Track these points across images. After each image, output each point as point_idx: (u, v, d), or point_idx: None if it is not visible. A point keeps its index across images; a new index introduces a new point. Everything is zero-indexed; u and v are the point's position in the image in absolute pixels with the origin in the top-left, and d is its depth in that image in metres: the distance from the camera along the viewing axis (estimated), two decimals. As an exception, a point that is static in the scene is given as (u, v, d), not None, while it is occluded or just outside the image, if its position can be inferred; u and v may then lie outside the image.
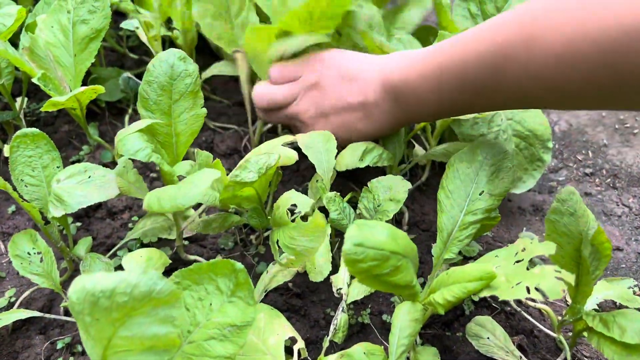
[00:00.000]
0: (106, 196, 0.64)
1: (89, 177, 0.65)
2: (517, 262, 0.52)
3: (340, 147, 0.76)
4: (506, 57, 0.57)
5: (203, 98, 0.66)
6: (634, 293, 0.79)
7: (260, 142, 0.95)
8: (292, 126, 0.86)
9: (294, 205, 0.60)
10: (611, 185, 1.02)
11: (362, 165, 0.73)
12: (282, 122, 0.85)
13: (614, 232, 0.93)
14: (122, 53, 1.20)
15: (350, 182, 0.89)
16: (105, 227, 0.81)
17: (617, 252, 0.89)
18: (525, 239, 0.54)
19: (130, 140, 0.56)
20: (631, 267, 0.87)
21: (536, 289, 0.46)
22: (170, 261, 0.66)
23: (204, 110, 0.66)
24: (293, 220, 0.60)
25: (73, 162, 0.94)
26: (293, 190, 0.64)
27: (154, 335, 0.43)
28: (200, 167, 0.64)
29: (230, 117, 1.06)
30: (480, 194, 0.62)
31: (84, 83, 1.01)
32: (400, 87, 0.70)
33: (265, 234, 0.79)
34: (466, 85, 0.63)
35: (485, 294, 0.50)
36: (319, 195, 0.70)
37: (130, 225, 0.82)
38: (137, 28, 0.97)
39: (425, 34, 1.01)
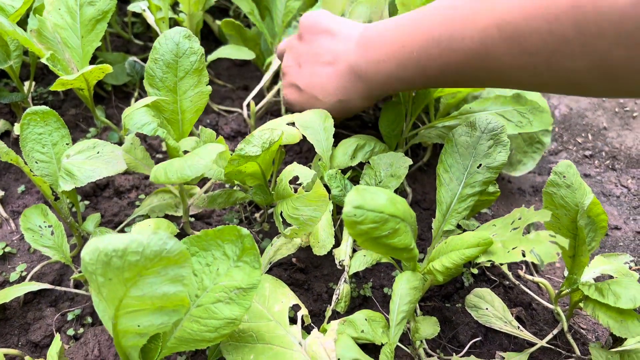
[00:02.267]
0: (114, 170, 0.65)
1: (98, 153, 0.66)
2: (514, 229, 0.54)
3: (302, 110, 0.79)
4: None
5: (207, 75, 0.67)
6: (630, 268, 0.81)
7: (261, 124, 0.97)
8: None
9: (296, 177, 0.61)
10: (610, 167, 1.03)
11: (354, 163, 0.75)
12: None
13: (613, 212, 0.94)
14: (127, 39, 1.22)
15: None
16: (112, 205, 0.83)
17: (616, 230, 0.91)
18: (521, 208, 0.56)
19: (137, 115, 0.58)
20: (629, 245, 0.88)
21: (532, 252, 0.48)
22: (177, 230, 0.67)
23: (209, 87, 0.67)
24: (296, 192, 0.61)
25: (80, 144, 0.96)
26: (295, 162, 0.65)
27: (164, 294, 0.45)
28: (205, 144, 0.66)
29: (234, 101, 1.07)
30: (478, 167, 0.63)
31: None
32: (374, 42, 0.71)
33: (270, 211, 0.81)
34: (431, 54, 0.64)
35: (483, 259, 0.52)
36: (321, 174, 0.71)
37: (137, 203, 0.84)
38: (144, 10, 0.99)
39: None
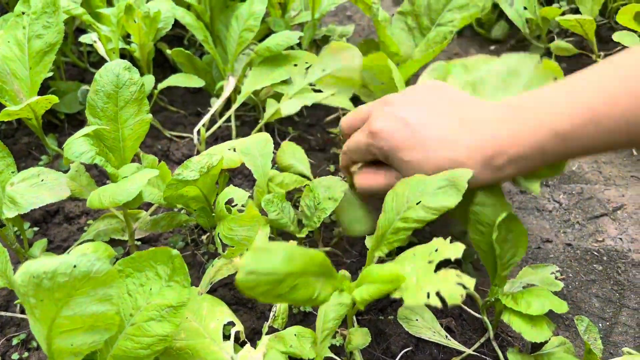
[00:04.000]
0: (58, 197, 0.68)
1: (42, 181, 0.69)
2: (429, 262, 0.54)
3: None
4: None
5: (147, 104, 0.71)
6: (556, 278, 0.86)
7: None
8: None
9: (232, 199, 0.65)
10: (544, 183, 1.09)
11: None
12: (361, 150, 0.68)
13: (545, 226, 1.00)
14: (83, 68, 1.25)
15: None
16: (62, 231, 0.85)
17: (547, 243, 0.97)
18: (439, 239, 0.57)
19: (76, 145, 0.61)
20: (559, 256, 0.94)
21: (437, 294, 0.48)
22: (116, 253, 0.70)
23: (149, 116, 0.71)
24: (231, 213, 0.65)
25: (32, 172, 0.98)
26: (231, 185, 0.69)
27: (94, 313, 0.48)
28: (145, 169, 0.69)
29: (186, 127, 1.11)
30: (417, 203, 0.62)
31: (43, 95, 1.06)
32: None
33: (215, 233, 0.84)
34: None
35: (397, 295, 0.52)
36: (258, 201, 0.75)
37: (86, 228, 0.86)
38: (95, 42, 1.02)
39: (367, 48, 1.08)
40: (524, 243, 0.69)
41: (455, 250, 0.54)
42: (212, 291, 0.76)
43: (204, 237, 0.85)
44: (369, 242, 0.72)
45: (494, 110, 0.61)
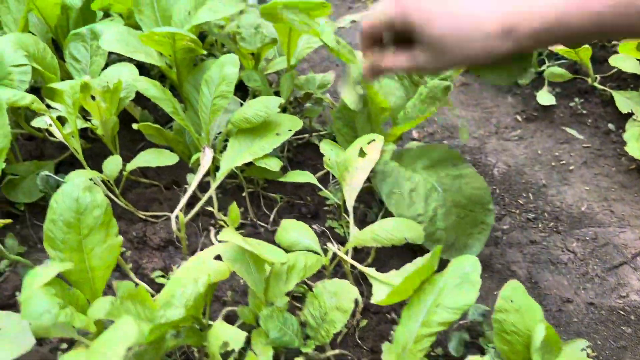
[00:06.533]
0: (22, 350, 0.58)
1: (0, 330, 0.58)
2: None
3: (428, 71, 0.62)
4: None
5: (116, 226, 0.61)
6: (588, 355, 0.78)
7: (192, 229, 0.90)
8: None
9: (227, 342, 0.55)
10: (554, 229, 1.02)
11: (290, 287, 0.69)
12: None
13: (563, 282, 0.93)
14: (41, 139, 1.13)
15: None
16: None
17: (568, 304, 0.89)
18: (478, 357, 0.52)
19: (34, 303, 0.50)
20: (582, 319, 0.87)
21: None
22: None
23: (119, 239, 0.61)
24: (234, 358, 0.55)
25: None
26: (224, 323, 0.59)
27: None
28: (122, 302, 0.59)
29: (162, 203, 1.00)
30: (437, 306, 0.59)
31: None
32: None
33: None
34: None
35: None
36: (253, 314, 0.66)
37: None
38: (50, 125, 0.91)
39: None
40: (558, 349, 0.61)
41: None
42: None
43: (195, 350, 0.75)
44: (387, 357, 0.63)
45: None
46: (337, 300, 0.65)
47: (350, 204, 0.81)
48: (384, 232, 0.74)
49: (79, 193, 0.58)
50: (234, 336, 0.56)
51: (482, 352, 0.77)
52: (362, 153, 0.83)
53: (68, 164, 1.08)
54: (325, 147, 0.92)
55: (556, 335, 0.58)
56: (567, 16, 0.52)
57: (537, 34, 0.53)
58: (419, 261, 0.70)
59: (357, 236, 0.77)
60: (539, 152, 1.20)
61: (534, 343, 0.55)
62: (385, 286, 0.72)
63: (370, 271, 0.74)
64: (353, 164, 0.82)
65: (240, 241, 0.61)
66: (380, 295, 0.70)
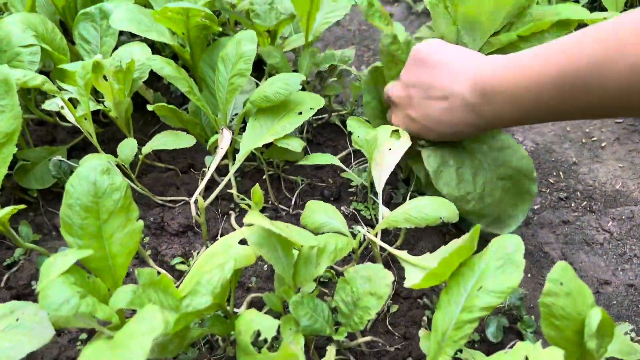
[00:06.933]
0: (41, 341, 0.54)
1: (17, 320, 0.55)
2: None
3: (416, 137, 0.81)
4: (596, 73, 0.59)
5: (137, 210, 0.57)
6: (632, 339, 0.75)
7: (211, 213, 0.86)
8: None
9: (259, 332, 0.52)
10: (588, 208, 0.98)
11: (321, 271, 0.64)
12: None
13: (600, 263, 0.88)
14: (52, 123, 1.09)
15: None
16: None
17: (606, 286, 0.85)
18: (526, 343, 0.48)
19: (54, 291, 0.47)
20: (622, 302, 0.82)
21: None
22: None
23: (140, 224, 0.57)
24: (259, 346, 0.52)
25: (8, 266, 0.84)
26: (254, 310, 0.56)
27: None
28: (144, 290, 0.56)
29: (179, 188, 0.97)
30: (478, 289, 0.55)
31: (11, 169, 0.91)
32: (492, 85, 0.69)
33: (232, 338, 0.71)
34: (565, 95, 0.63)
35: None
36: (281, 300, 0.62)
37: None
38: (62, 108, 0.87)
39: (375, 79, 0.94)
40: (611, 334, 0.57)
41: (553, 355, 0.47)
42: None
43: (219, 339, 0.72)
44: (425, 347, 0.60)
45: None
46: (371, 286, 0.61)
47: (380, 185, 0.77)
48: (417, 212, 0.70)
49: (96, 176, 0.55)
50: (266, 325, 0.52)
51: (521, 337, 0.74)
52: (395, 134, 0.79)
53: (80, 149, 1.05)
54: (352, 124, 0.87)
55: (610, 319, 0.54)
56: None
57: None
58: (455, 242, 0.66)
59: (388, 217, 0.73)
60: (567, 129, 1.15)
61: (589, 328, 0.51)
62: (419, 269, 0.68)
63: (403, 254, 0.70)
64: (386, 143, 0.78)
65: (268, 224, 0.57)
66: (414, 278, 0.66)
